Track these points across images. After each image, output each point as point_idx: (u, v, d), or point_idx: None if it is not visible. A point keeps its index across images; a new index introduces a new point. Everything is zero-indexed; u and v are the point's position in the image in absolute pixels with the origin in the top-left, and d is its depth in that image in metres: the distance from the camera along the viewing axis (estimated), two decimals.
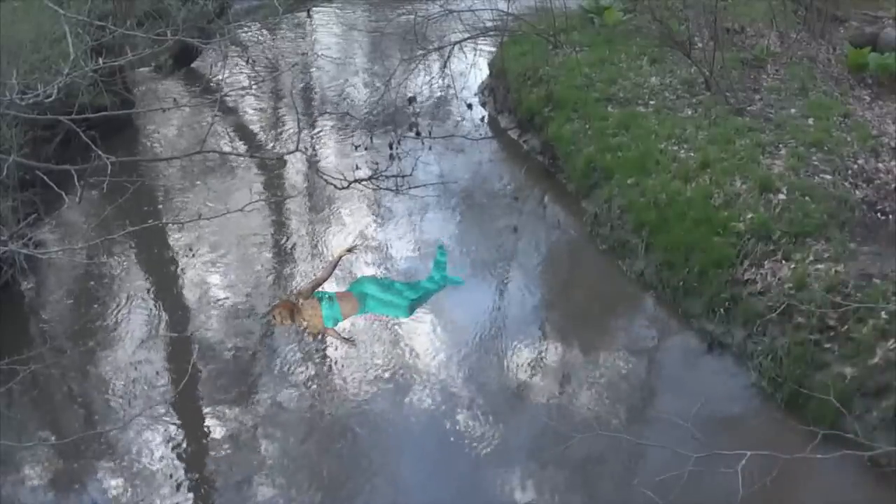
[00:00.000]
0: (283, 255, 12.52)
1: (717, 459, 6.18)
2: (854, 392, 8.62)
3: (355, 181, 7.39)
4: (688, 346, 10.29)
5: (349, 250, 6.83)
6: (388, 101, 15.01)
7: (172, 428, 9.53)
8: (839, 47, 14.66)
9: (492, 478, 8.79)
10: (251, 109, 17.04)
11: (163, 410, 9.67)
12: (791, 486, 7.75)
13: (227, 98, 16.56)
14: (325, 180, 7.59)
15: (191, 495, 8.82)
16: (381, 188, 9.78)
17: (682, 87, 13.98)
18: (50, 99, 5.65)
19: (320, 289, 6.52)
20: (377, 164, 12.90)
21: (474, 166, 14.33)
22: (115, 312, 11.27)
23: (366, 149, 14.50)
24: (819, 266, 9.86)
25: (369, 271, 11.35)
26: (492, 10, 16.15)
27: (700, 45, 14.11)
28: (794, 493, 8.03)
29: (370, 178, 8.36)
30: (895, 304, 8.96)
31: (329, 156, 14.96)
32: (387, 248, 12.43)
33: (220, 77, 16.06)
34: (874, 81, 13.66)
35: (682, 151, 12.31)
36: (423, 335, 10.58)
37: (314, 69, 18.44)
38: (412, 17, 16.26)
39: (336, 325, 6.56)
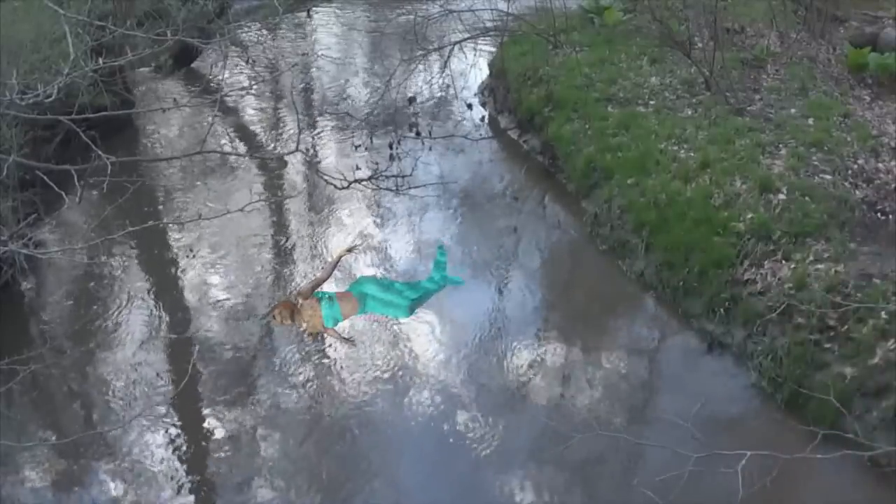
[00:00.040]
0: (283, 256, 12.52)
1: (717, 459, 6.18)
2: (854, 392, 8.62)
3: (355, 181, 7.40)
4: (688, 346, 10.29)
5: (349, 250, 6.83)
6: (389, 101, 15.01)
7: (172, 428, 9.53)
8: (839, 47, 14.66)
9: (492, 478, 8.79)
10: (251, 109, 17.04)
11: (163, 411, 9.68)
12: (791, 486, 7.75)
13: (228, 98, 16.56)
14: (325, 180, 7.59)
15: (191, 496, 8.82)
16: (381, 188, 9.81)
17: (682, 87, 13.98)
18: (50, 99, 5.65)
19: (320, 289, 6.52)
20: (377, 164, 12.92)
21: (474, 166, 14.33)
22: (115, 313, 11.27)
23: (366, 149, 14.50)
24: (819, 266, 9.86)
25: (369, 271, 11.34)
26: (492, 10, 16.14)
27: (700, 45, 14.11)
28: (794, 494, 8.03)
29: (370, 178, 8.37)
30: (895, 304, 8.96)
31: (329, 156, 14.96)
32: (387, 248, 12.43)
33: (220, 77, 16.05)
34: (874, 81, 13.66)
35: (682, 151, 12.31)
36: (423, 335, 10.58)
37: (314, 69, 18.44)
38: (412, 17, 16.26)
39: (336, 325, 6.56)
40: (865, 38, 14.26)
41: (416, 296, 6.71)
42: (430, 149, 13.98)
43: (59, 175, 6.60)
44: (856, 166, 11.52)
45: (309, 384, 10.07)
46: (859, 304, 8.98)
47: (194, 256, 12.29)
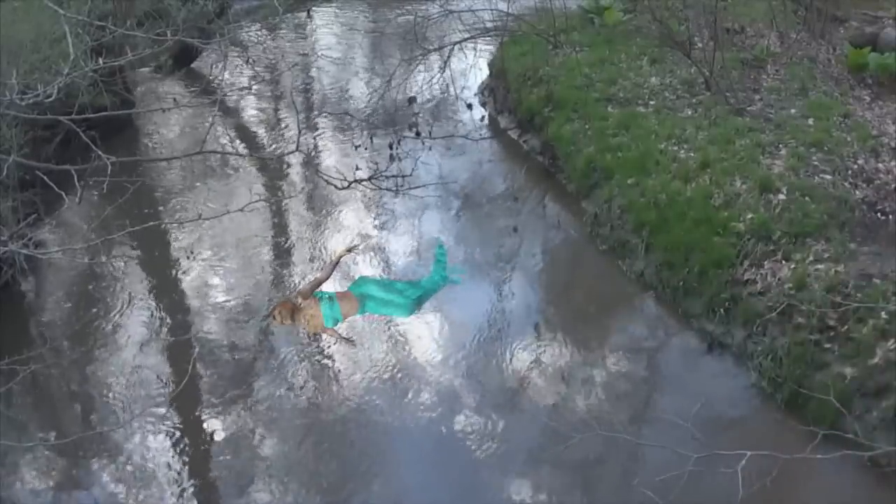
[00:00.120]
0: (283, 256, 12.52)
1: (717, 459, 6.18)
2: (854, 392, 8.62)
3: (355, 181, 7.39)
4: (688, 346, 10.29)
5: (349, 250, 6.84)
6: (389, 101, 15.01)
7: (172, 429, 9.53)
8: (839, 47, 14.66)
9: (491, 478, 8.79)
10: (251, 110, 17.04)
11: (162, 411, 9.68)
12: (791, 487, 7.75)
13: (228, 98, 16.55)
14: (326, 180, 7.59)
15: (190, 496, 8.82)
16: (381, 188, 9.78)
17: (682, 87, 13.97)
18: (50, 99, 5.65)
19: (320, 289, 6.52)
20: (377, 164, 12.89)
21: (474, 166, 14.33)
22: (115, 313, 11.27)
23: (366, 149, 14.49)
24: (819, 266, 9.86)
25: (369, 271, 11.35)
26: (492, 10, 16.13)
27: (700, 45, 14.10)
28: (794, 494, 8.03)
29: (370, 178, 8.35)
30: (895, 304, 8.96)
31: (329, 156, 14.95)
32: (387, 248, 12.43)
33: (220, 77, 16.05)
34: (874, 81, 13.66)
35: (682, 151, 12.31)
36: (422, 335, 10.58)
37: (314, 69, 18.44)
38: (412, 17, 16.26)
39: (336, 325, 6.57)
40: (865, 38, 14.26)
41: (418, 294, 6.71)
42: (430, 149, 13.96)
43: (59, 175, 6.60)
44: (856, 166, 11.52)
45: (308, 384, 10.07)
46: (859, 304, 8.98)
47: (194, 257, 12.28)
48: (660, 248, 11.06)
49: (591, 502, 8.67)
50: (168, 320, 11.22)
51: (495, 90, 16.09)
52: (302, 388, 10.01)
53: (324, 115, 16.27)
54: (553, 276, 12.17)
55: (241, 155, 14.94)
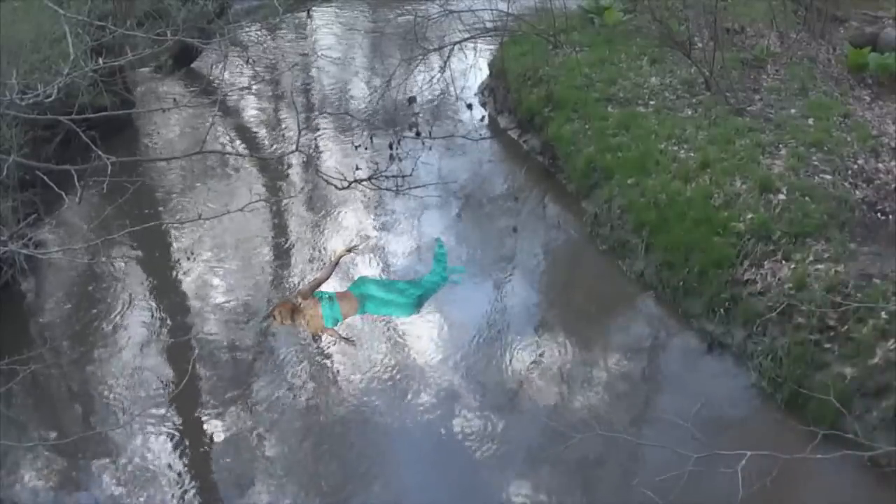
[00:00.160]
0: (283, 256, 12.52)
1: (717, 459, 6.18)
2: (854, 392, 8.62)
3: (355, 181, 7.39)
4: (688, 346, 10.29)
5: (349, 250, 6.82)
6: (389, 101, 15.01)
7: (172, 429, 9.53)
8: (839, 47, 14.66)
9: (491, 478, 8.79)
10: (251, 110, 17.04)
11: (162, 411, 9.68)
12: (791, 487, 7.75)
13: (228, 98, 16.55)
14: (326, 180, 7.59)
15: (190, 496, 8.82)
16: (381, 188, 9.77)
17: (682, 87, 13.98)
18: (50, 99, 5.65)
19: (320, 289, 6.51)
20: (377, 164, 12.90)
21: (474, 166, 14.33)
22: (115, 313, 11.27)
23: (366, 149, 14.49)
24: (819, 266, 9.86)
25: (369, 271, 11.35)
26: (492, 10, 16.13)
27: (700, 45, 14.10)
28: (794, 494, 8.03)
29: (370, 178, 8.35)
30: (895, 304, 8.96)
31: (329, 156, 14.95)
32: (387, 248, 12.43)
33: (220, 77, 16.05)
34: (874, 81, 13.66)
35: (682, 151, 12.31)
36: (423, 336, 10.58)
37: (314, 69, 18.44)
38: (412, 17, 16.26)
39: (336, 325, 6.56)
40: (865, 38, 14.26)
41: (420, 293, 6.68)
42: (430, 149, 13.95)
43: (59, 175, 6.60)
44: (856, 166, 11.52)
45: (308, 385, 10.07)
46: (859, 304, 8.98)
47: (194, 257, 12.28)
48: (660, 248, 11.06)
49: (591, 502, 8.67)
50: (168, 320, 11.22)
51: (495, 90, 16.10)
52: (302, 388, 10.00)
53: (324, 115, 16.27)
54: (553, 276, 12.17)
55: (241, 155, 14.94)
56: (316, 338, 9.27)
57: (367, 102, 16.34)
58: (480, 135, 15.07)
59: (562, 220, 12.92)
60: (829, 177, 11.31)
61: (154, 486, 8.87)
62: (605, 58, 14.98)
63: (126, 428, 9.32)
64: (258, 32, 20.06)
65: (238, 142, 15.97)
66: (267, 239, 12.85)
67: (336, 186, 7.22)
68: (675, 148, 12.40)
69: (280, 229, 13.11)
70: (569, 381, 9.93)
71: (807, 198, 10.85)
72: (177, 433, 9.48)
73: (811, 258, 10.01)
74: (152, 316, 11.28)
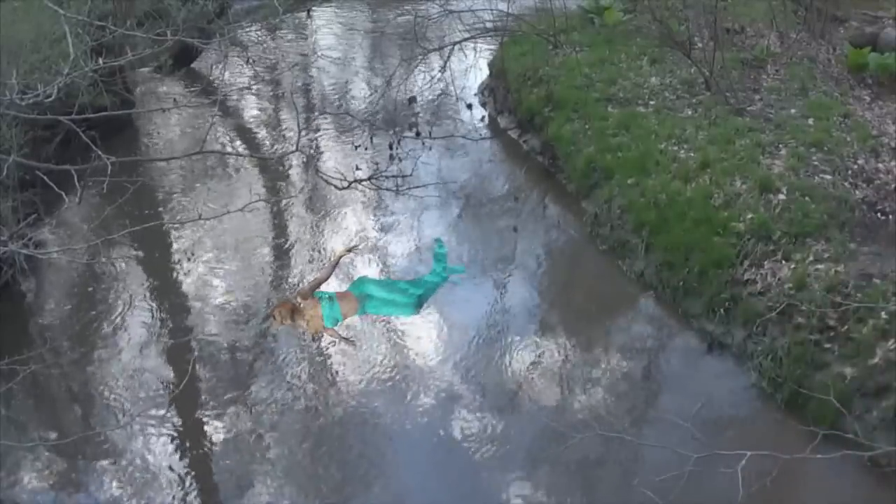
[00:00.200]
0: (283, 256, 12.52)
1: (717, 460, 6.19)
2: (854, 392, 8.62)
3: (355, 181, 7.41)
4: (688, 346, 10.29)
5: (349, 250, 6.84)
6: (389, 101, 15.01)
7: (172, 430, 9.52)
8: (839, 47, 14.66)
9: (491, 478, 8.79)
10: (251, 110, 17.03)
11: (162, 411, 9.68)
12: (791, 487, 7.75)
13: (228, 98, 16.55)
14: (326, 180, 7.61)
15: (189, 497, 8.81)
16: (381, 188, 9.79)
17: (682, 87, 13.97)
18: (50, 99, 5.65)
19: (320, 289, 6.51)
20: (377, 164, 12.92)
21: (474, 166, 14.33)
22: (115, 313, 11.27)
23: (366, 149, 14.49)
24: (819, 266, 9.86)
25: (369, 271, 11.35)
26: (492, 10, 16.14)
27: (700, 45, 14.10)
28: (794, 494, 8.03)
29: (370, 178, 8.38)
30: (895, 304, 8.96)
31: (329, 156, 14.95)
32: (387, 248, 12.43)
33: (220, 77, 16.05)
34: (874, 81, 13.66)
35: (682, 151, 12.31)
36: (423, 336, 10.58)
37: (314, 69, 18.44)
38: (412, 17, 16.26)
39: (336, 325, 6.56)
40: (865, 38, 14.26)
41: (421, 292, 6.69)
42: (430, 149, 13.97)
43: (59, 175, 6.60)
44: (856, 166, 11.52)
45: (308, 386, 10.06)
46: (859, 304, 8.98)
47: (194, 257, 12.28)
48: (660, 248, 11.06)
49: (591, 502, 8.67)
50: (168, 321, 11.22)
51: (495, 90, 16.10)
52: (301, 389, 10.00)
53: (324, 115, 16.27)
54: (553, 277, 12.17)
55: (241, 155, 14.94)
56: (316, 338, 9.27)
57: (367, 102, 16.34)
58: (480, 135, 15.08)
59: (562, 220, 12.92)
60: (829, 177, 11.31)
61: (154, 487, 8.87)
62: (605, 58, 14.98)
63: (126, 428, 9.31)
64: (258, 32, 20.06)
65: (238, 142, 15.97)
66: (267, 239, 12.85)
67: (336, 186, 7.23)
68: (675, 148, 12.40)
69: (280, 229, 13.11)
70: (569, 382, 9.93)
71: (807, 198, 10.85)
72: (177, 434, 9.48)
73: (811, 258, 10.01)
74: (152, 316, 11.27)
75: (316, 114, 16.61)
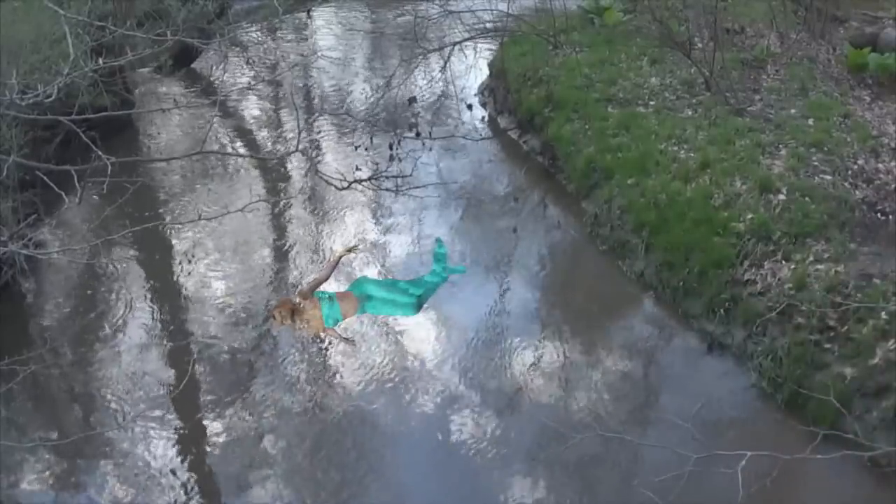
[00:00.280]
0: (283, 257, 12.52)
1: (717, 460, 6.19)
2: (854, 392, 8.62)
3: (355, 181, 7.41)
4: (688, 346, 10.29)
5: (349, 250, 6.82)
6: (389, 101, 15.02)
7: (172, 430, 9.52)
8: (839, 47, 14.66)
9: (491, 478, 8.79)
10: (251, 110, 17.03)
11: (162, 412, 9.67)
12: (791, 487, 7.75)
13: (228, 99, 16.55)
14: (326, 181, 7.60)
15: (189, 497, 8.81)
16: (381, 189, 9.78)
17: (682, 87, 13.98)
18: (50, 99, 5.66)
19: (320, 289, 6.50)
20: (377, 164, 12.91)
21: (474, 167, 14.33)
22: (115, 313, 11.26)
23: (366, 149, 14.49)
24: (819, 266, 9.86)
25: (369, 271, 11.34)
26: (492, 10, 16.14)
27: (700, 45, 14.11)
28: (794, 494, 8.03)
29: (370, 178, 8.38)
30: (895, 304, 8.96)
31: (329, 156, 14.95)
32: (387, 248, 12.43)
33: (220, 78, 16.05)
34: (874, 82, 13.66)
35: (682, 152, 12.31)
36: (423, 336, 10.58)
37: (314, 70, 18.44)
38: (412, 17, 16.26)
39: (336, 325, 6.55)
40: (865, 39, 14.26)
41: (421, 291, 6.68)
42: (431, 149, 13.96)
43: (59, 175, 6.61)
44: (856, 167, 11.52)
45: (308, 386, 10.06)
46: (859, 304, 8.98)
47: (195, 257, 12.28)
48: (660, 248, 11.06)
49: (591, 503, 8.67)
50: (168, 321, 11.22)
51: (495, 90, 16.10)
52: (301, 390, 9.99)
53: (324, 115, 16.27)
54: (553, 277, 12.17)
55: (241, 155, 14.94)
56: (316, 338, 9.26)
57: (367, 103, 16.34)
58: (480, 135, 15.08)
59: (562, 221, 12.91)
60: (829, 177, 11.31)
61: (153, 488, 8.86)
62: (605, 58, 14.98)
63: (126, 429, 9.31)
64: (258, 33, 20.06)
65: (238, 142, 15.97)
66: (267, 240, 12.85)
67: (336, 187, 7.23)
68: (675, 148, 12.40)
69: (280, 230, 13.11)
70: (569, 382, 9.93)
71: (807, 198, 10.85)
72: (176, 435, 9.47)
73: (811, 258, 10.01)
74: (152, 317, 11.27)
75: (316, 114, 16.61)
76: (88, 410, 9.94)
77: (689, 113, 13.30)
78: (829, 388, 7.72)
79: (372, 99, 16.09)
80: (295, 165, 14.53)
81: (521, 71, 15.21)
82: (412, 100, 15.71)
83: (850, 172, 11.42)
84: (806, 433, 6.67)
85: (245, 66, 18.37)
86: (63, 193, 6.46)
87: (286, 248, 12.69)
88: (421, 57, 15.39)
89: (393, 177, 10.07)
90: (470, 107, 16.08)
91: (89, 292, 11.73)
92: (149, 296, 11.70)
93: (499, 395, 9.80)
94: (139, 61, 14.53)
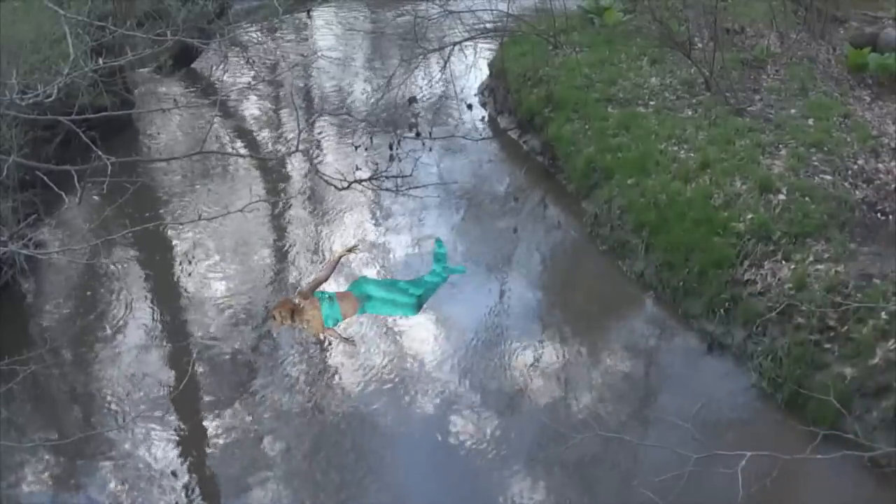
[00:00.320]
0: (283, 257, 12.52)
1: (717, 460, 6.19)
2: (854, 392, 8.62)
3: (355, 181, 7.41)
4: (688, 346, 10.29)
5: (349, 250, 6.81)
6: (389, 101, 15.02)
7: (172, 430, 9.52)
8: (839, 47, 14.66)
9: (491, 479, 8.78)
10: (251, 110, 17.03)
11: (162, 412, 9.67)
12: (791, 487, 7.75)
13: (228, 99, 16.55)
14: (326, 181, 7.60)
15: (188, 498, 8.81)
16: (381, 189, 9.77)
17: (682, 87, 13.98)
18: (50, 99, 5.66)
19: (320, 289, 6.50)
20: (377, 164, 12.90)
21: (474, 167, 14.33)
22: (115, 313, 11.26)
23: (366, 149, 14.49)
24: (819, 266, 9.86)
25: (369, 271, 11.34)
26: (492, 10, 16.15)
27: (700, 45, 14.11)
28: (794, 494, 8.03)
29: (370, 178, 8.38)
30: (895, 304, 8.96)
31: (329, 156, 14.95)
32: (387, 248, 12.43)
33: (220, 78, 16.05)
34: (874, 82, 13.66)
35: (682, 152, 12.31)
36: (423, 336, 10.58)
37: (314, 70, 18.44)
38: (412, 17, 16.26)
39: (336, 325, 6.54)
40: (865, 39, 14.26)
41: (421, 291, 6.67)
42: (431, 149, 13.97)
43: (59, 175, 6.61)
44: (856, 167, 11.52)
45: (308, 387, 10.06)
46: (859, 304, 8.98)
47: (195, 257, 12.27)
48: (660, 248, 11.06)
49: (591, 502, 8.67)
50: (168, 322, 11.21)
51: (495, 90, 16.10)
52: (301, 390, 9.99)
53: (324, 115, 16.27)
54: (553, 277, 12.17)
55: (241, 156, 14.94)
56: (316, 338, 9.26)
57: (367, 103, 16.34)
58: (480, 135, 15.08)
59: (562, 221, 12.91)
60: (829, 177, 11.31)
61: (153, 488, 8.86)
62: (605, 58, 14.98)
63: (125, 429, 9.31)
64: (258, 33, 20.05)
65: (238, 142, 15.97)
66: (267, 240, 12.85)
67: (336, 187, 7.23)
68: (675, 148, 12.40)
69: (280, 230, 13.11)
70: (569, 382, 9.93)
71: (807, 198, 10.85)
72: (176, 435, 9.47)
73: (811, 258, 10.01)
74: (152, 317, 11.27)
75: (316, 114, 16.61)
76: (88, 411, 9.94)
77: (689, 113, 13.30)
78: (829, 389, 7.71)
79: (372, 99, 16.10)
80: (295, 166, 14.53)
81: (521, 71, 15.21)
82: (412, 100, 15.71)
83: (850, 172, 11.42)
84: (806, 433, 6.68)
85: (245, 66, 18.37)
86: (63, 193, 6.47)
87: (286, 248, 12.69)
88: (421, 57, 15.38)
89: (393, 177, 10.06)
90: (470, 107, 16.08)
91: (89, 292, 11.73)
92: (149, 296, 11.70)
93: (499, 395, 9.79)
94: (139, 61, 14.54)
